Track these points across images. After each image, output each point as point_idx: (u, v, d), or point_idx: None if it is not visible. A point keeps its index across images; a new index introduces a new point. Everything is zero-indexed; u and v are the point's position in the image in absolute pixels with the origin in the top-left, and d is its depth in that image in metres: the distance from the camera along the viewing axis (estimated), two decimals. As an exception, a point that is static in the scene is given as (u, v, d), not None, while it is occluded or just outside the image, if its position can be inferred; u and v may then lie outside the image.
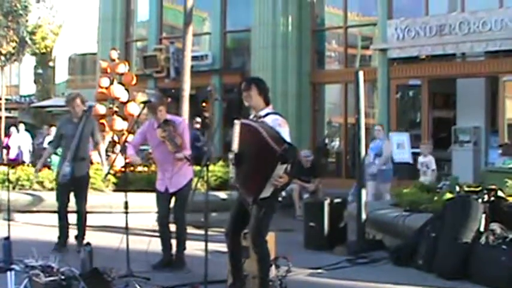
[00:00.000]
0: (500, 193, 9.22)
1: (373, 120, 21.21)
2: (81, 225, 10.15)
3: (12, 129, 22.58)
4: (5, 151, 18.45)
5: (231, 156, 6.76)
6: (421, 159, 15.75)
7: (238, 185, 6.80)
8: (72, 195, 10.15)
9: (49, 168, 13.11)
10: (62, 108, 29.44)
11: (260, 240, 6.69)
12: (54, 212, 10.11)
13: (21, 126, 23.78)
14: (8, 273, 6.96)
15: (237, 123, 6.68)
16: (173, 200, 9.16)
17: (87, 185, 10.54)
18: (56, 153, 10.99)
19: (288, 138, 6.60)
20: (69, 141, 9.97)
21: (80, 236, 10.09)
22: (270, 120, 6.73)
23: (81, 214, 10.12)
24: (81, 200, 10.17)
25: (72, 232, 10.16)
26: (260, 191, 6.50)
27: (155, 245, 9.58)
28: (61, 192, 10.14)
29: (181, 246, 9.04)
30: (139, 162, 9.68)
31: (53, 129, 22.55)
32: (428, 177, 14.97)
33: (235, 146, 6.68)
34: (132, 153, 9.22)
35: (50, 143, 11.09)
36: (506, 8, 18.36)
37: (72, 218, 10.15)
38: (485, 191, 9.25)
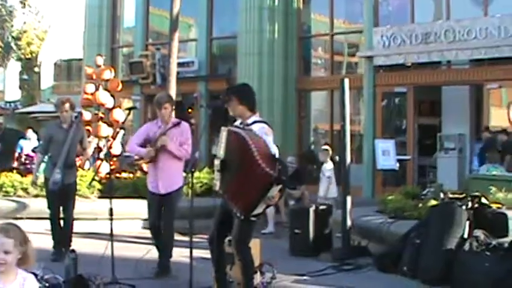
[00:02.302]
0: (484, 200, 9.26)
1: (359, 127, 21.28)
2: (68, 232, 9.94)
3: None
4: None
5: (216, 162, 6.75)
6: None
7: (226, 195, 6.77)
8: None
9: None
10: (48, 114, 29.42)
11: (243, 247, 6.69)
12: (39, 218, 9.97)
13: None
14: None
15: (224, 130, 6.66)
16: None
17: (75, 192, 10.30)
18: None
19: (272, 147, 6.59)
20: (59, 147, 9.69)
21: (66, 243, 9.83)
22: (256, 128, 6.72)
23: (68, 222, 9.93)
24: (69, 207, 9.93)
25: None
26: (253, 209, 6.51)
27: (140, 251, 9.57)
28: (52, 200, 9.89)
29: (167, 253, 8.99)
30: (152, 153, 8.81)
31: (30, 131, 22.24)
32: (323, 186, 14.29)
33: (221, 152, 6.66)
34: (139, 148, 8.92)
35: (35, 148, 10.79)
36: (490, 17, 18.48)
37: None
38: (469, 198, 9.28)
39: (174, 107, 9.18)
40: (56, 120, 10.22)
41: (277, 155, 6.57)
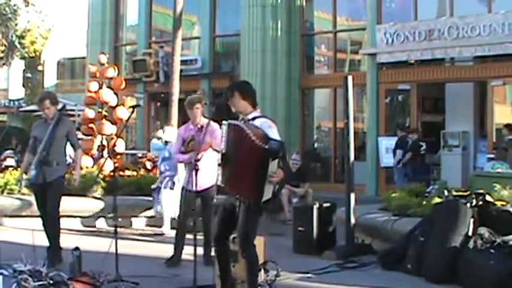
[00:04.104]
0: (488, 197, 9.23)
1: (363, 124, 21.27)
2: (52, 234, 9.09)
3: None
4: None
5: (218, 156, 6.77)
6: None
7: (228, 187, 6.77)
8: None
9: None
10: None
11: (248, 244, 6.67)
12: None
13: None
14: (-4, 277, 6.94)
15: (225, 124, 6.69)
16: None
17: (60, 190, 9.32)
18: None
19: (278, 138, 6.61)
20: (40, 144, 9.00)
21: (51, 248, 9.04)
22: (258, 123, 6.73)
23: (51, 222, 9.11)
24: (51, 204, 9.10)
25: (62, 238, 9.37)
26: (261, 194, 6.47)
27: (144, 249, 9.56)
28: (36, 198, 9.35)
29: (209, 246, 9.09)
30: (192, 159, 8.70)
31: None
32: None
33: (222, 146, 6.69)
34: (184, 156, 9.40)
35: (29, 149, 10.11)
36: (494, 13, 18.44)
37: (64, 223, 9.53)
38: (473, 196, 9.26)
39: (203, 108, 9.52)
40: (42, 118, 9.57)
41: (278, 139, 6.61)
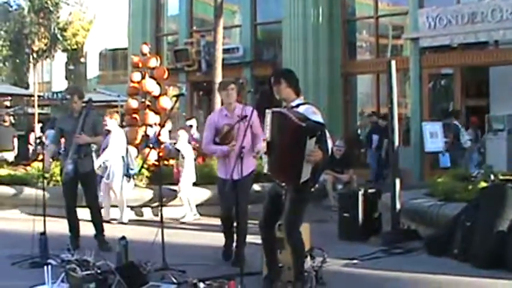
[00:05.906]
0: (536, 181, 9.13)
1: (406, 110, 21.12)
2: (98, 222, 9.91)
3: None
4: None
5: (263, 144, 6.78)
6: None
7: (272, 173, 6.80)
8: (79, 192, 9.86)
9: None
10: (94, 104, 29.70)
11: (294, 231, 6.68)
12: (88, 206, 9.88)
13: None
14: (45, 267, 7.02)
15: (269, 112, 6.72)
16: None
17: (94, 181, 10.29)
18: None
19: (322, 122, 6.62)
20: (70, 137, 9.65)
21: (99, 234, 9.83)
22: (302, 109, 6.74)
23: (94, 210, 9.91)
24: (91, 196, 9.89)
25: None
26: (299, 173, 6.46)
27: (190, 238, 9.58)
28: (66, 190, 9.80)
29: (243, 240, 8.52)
30: (229, 151, 8.45)
31: None
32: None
33: (267, 134, 6.71)
34: (223, 148, 8.56)
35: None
36: (539, -6, 18.15)
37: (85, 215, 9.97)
38: (520, 180, 9.17)
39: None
40: (67, 111, 10.33)
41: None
